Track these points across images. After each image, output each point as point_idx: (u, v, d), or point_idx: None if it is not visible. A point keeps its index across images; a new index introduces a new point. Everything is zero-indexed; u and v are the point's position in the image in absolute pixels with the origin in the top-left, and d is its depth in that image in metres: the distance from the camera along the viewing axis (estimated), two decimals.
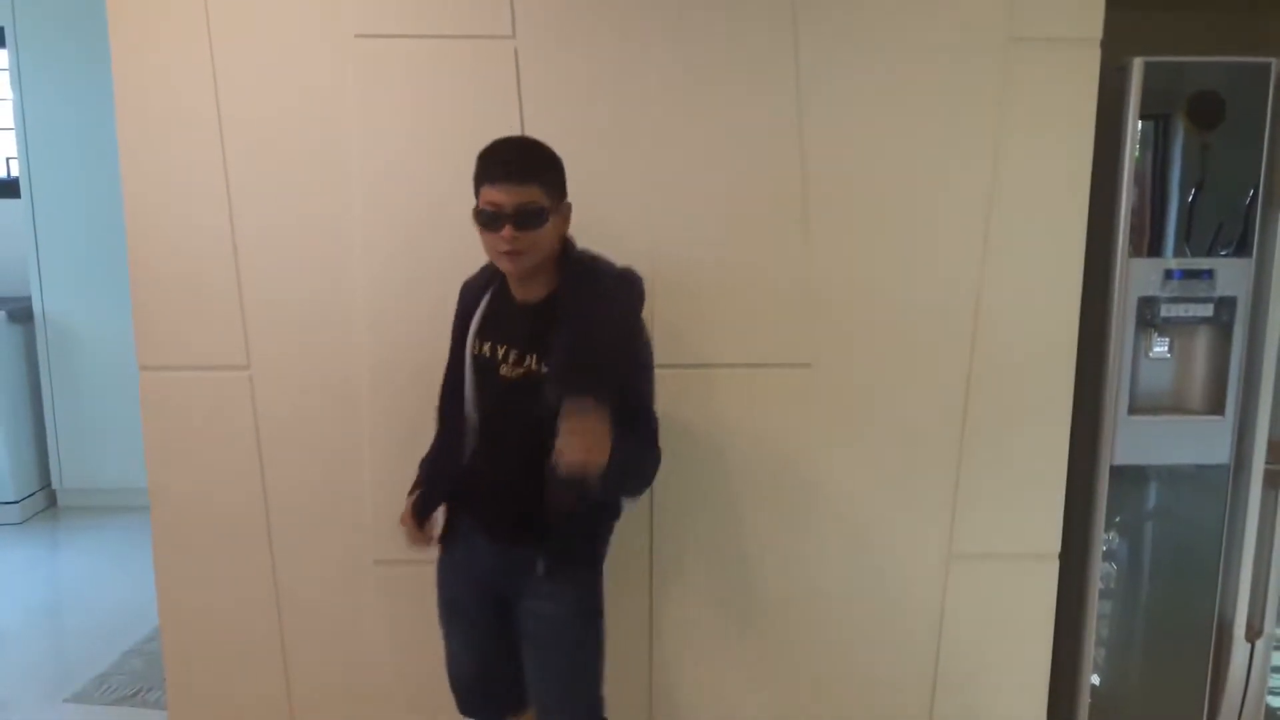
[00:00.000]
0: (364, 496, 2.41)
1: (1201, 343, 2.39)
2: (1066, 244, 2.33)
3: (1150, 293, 2.33)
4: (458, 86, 2.28)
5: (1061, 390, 2.38)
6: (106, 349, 4.42)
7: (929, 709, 2.52)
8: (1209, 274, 2.32)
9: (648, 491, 2.36)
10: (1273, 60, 2.26)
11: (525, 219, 1.79)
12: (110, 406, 4.46)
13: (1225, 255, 2.32)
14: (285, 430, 2.41)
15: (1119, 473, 2.40)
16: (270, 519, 2.43)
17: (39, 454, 4.63)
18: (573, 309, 1.85)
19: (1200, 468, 2.42)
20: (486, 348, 1.91)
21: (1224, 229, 2.32)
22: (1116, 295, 2.33)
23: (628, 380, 1.87)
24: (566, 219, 1.89)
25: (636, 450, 1.89)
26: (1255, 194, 2.30)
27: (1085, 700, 2.50)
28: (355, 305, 2.35)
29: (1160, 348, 2.36)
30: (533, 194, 1.79)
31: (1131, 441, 2.38)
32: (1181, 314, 2.34)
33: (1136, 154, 2.31)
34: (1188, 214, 2.32)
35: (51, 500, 4.71)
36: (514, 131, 2.28)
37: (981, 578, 2.45)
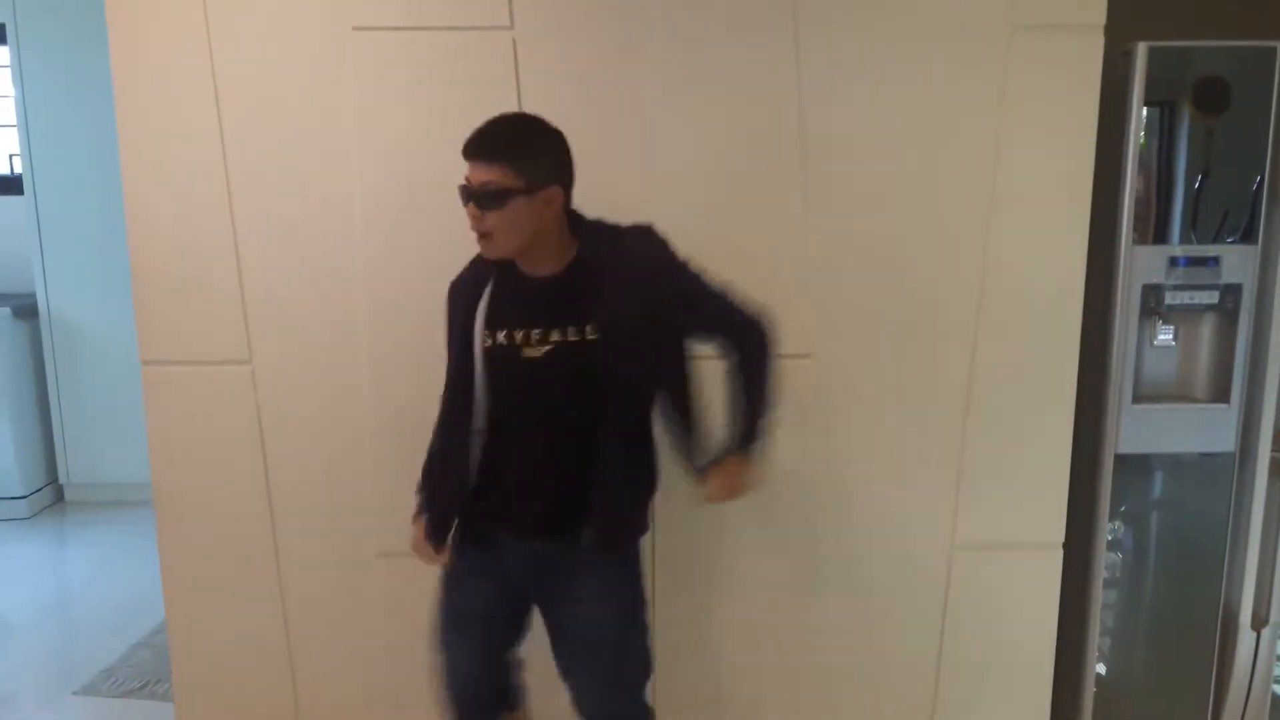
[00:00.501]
0: (366, 490, 2.41)
1: (1206, 330, 2.38)
2: (1070, 231, 2.32)
3: (1155, 280, 2.32)
4: (456, 78, 2.27)
5: (1065, 378, 2.37)
6: (112, 344, 4.44)
7: (933, 699, 2.51)
8: (1214, 261, 2.31)
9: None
10: (1278, 45, 2.24)
11: (485, 199, 1.74)
12: (116, 402, 4.47)
13: (1231, 242, 2.31)
14: (287, 424, 2.41)
15: (1123, 461, 2.39)
16: (274, 512, 2.43)
17: (46, 449, 4.65)
18: (622, 271, 1.82)
19: (1205, 456, 2.41)
20: (503, 336, 1.83)
21: (1230, 216, 2.31)
22: (1121, 283, 2.32)
23: (709, 304, 1.88)
24: (551, 204, 1.79)
25: (767, 385, 1.90)
26: (1261, 180, 2.28)
27: (1090, 689, 2.50)
28: (356, 298, 2.35)
29: (1165, 335, 2.34)
30: (497, 174, 1.72)
31: (1136, 430, 2.37)
32: (1186, 301, 2.33)
33: (1141, 140, 2.29)
34: (1193, 201, 2.31)
35: (59, 495, 4.73)
36: None
37: (985, 567, 2.45)
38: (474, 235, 1.86)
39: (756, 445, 1.89)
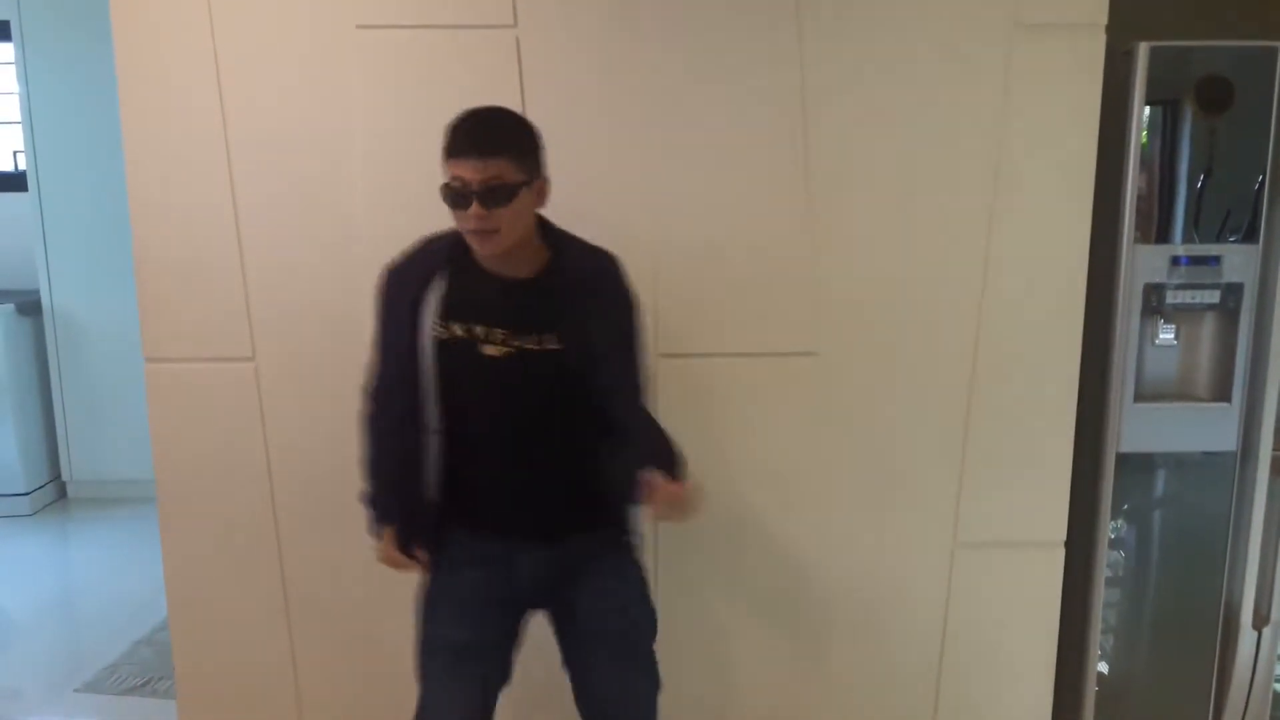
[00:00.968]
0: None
1: (1208, 329, 2.38)
2: (1072, 230, 2.32)
3: (1156, 279, 2.32)
4: (460, 76, 2.27)
5: (1067, 378, 2.37)
6: (115, 341, 4.44)
7: (934, 697, 2.52)
8: (1216, 260, 2.31)
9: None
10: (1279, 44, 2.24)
11: (492, 195, 1.66)
12: (119, 398, 4.48)
13: (1233, 242, 2.31)
14: (291, 421, 2.41)
15: (1125, 460, 2.39)
16: (276, 509, 2.44)
17: (49, 446, 4.66)
18: (587, 288, 1.79)
19: (1207, 455, 2.41)
20: (460, 329, 1.75)
21: (1231, 215, 2.31)
22: (1122, 282, 2.32)
23: (636, 362, 1.86)
24: (543, 195, 1.77)
25: (662, 435, 1.89)
26: (1263, 180, 2.29)
27: (1092, 688, 2.50)
28: (360, 296, 2.34)
29: (1166, 335, 2.34)
30: (500, 168, 1.66)
31: (1137, 429, 2.37)
32: (1188, 301, 2.33)
33: (1143, 140, 2.29)
34: (1195, 200, 2.31)
35: (61, 492, 4.74)
36: None
37: (987, 566, 2.45)
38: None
39: (680, 466, 1.84)
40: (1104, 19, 2.23)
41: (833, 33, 2.25)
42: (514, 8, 2.25)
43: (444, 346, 1.77)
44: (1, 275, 4.78)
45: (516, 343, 1.75)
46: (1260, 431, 2.38)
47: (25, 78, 4.39)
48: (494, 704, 1.92)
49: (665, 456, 1.84)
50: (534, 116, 2.26)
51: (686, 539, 2.45)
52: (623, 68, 2.27)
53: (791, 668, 2.51)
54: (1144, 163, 2.30)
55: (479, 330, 1.75)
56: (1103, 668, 2.52)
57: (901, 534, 2.44)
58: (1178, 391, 2.41)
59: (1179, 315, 2.34)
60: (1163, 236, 2.32)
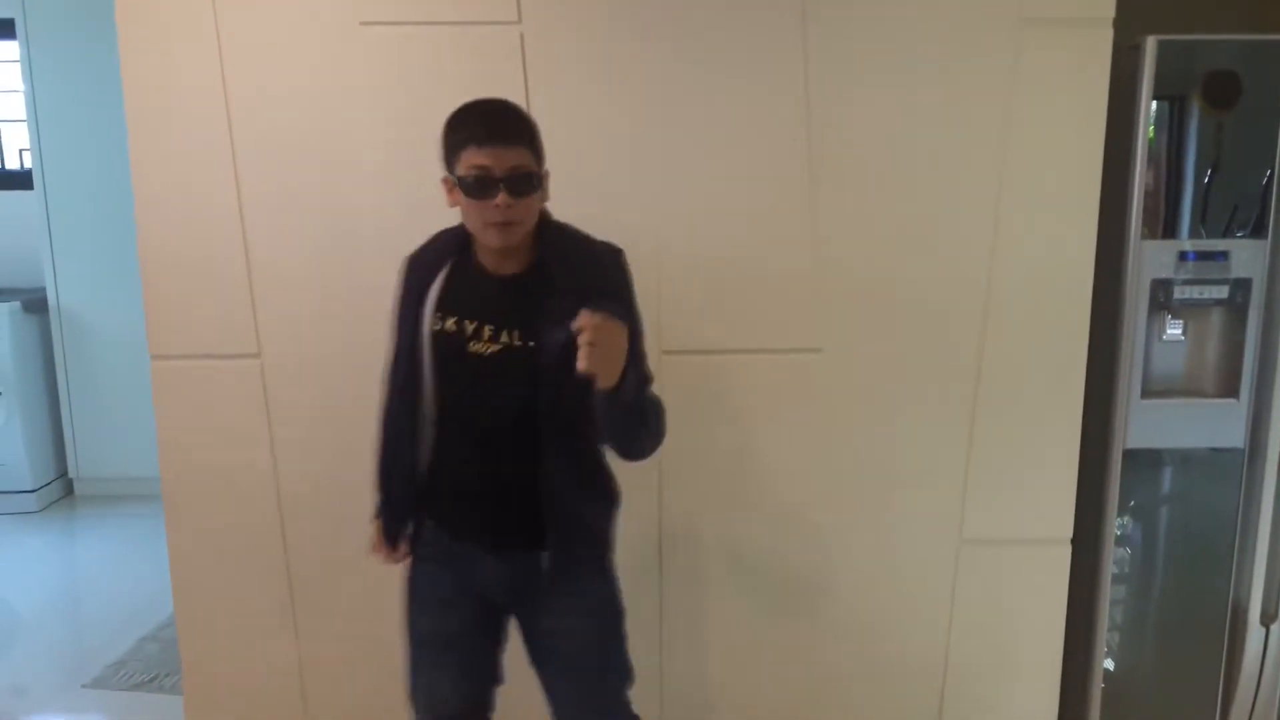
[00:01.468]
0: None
1: (1216, 325, 2.37)
2: (1079, 226, 2.31)
3: (1164, 275, 2.31)
4: (464, 73, 2.27)
5: (1074, 374, 2.36)
6: (121, 338, 4.45)
7: (940, 695, 2.51)
8: (1223, 256, 2.30)
9: (656, 477, 2.36)
10: None
11: (519, 184, 1.63)
12: (126, 395, 4.49)
13: (1240, 237, 2.30)
14: (296, 417, 2.42)
15: (1132, 456, 2.38)
16: (282, 506, 2.44)
17: (55, 443, 4.67)
18: (569, 274, 1.71)
19: (1214, 451, 2.40)
20: (451, 323, 1.73)
21: (1239, 210, 2.30)
22: (1129, 278, 2.31)
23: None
24: (546, 188, 1.75)
25: (645, 392, 1.74)
26: (1271, 175, 2.27)
27: (1098, 685, 2.49)
28: (365, 292, 2.35)
29: (1174, 330, 2.33)
30: (523, 156, 1.64)
31: (1145, 425, 2.36)
32: (1196, 296, 2.32)
33: (1150, 135, 2.28)
34: (1203, 195, 2.30)
35: (68, 489, 4.75)
36: None
37: (993, 563, 2.44)
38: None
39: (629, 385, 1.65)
40: (1111, 13, 2.22)
41: (837, 29, 2.25)
42: (518, 4, 2.25)
43: (437, 339, 1.75)
44: (7, 273, 4.79)
45: (503, 341, 1.72)
46: (1268, 428, 2.36)
47: (30, 76, 4.39)
48: (483, 695, 1.91)
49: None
50: (537, 113, 2.25)
51: (690, 536, 2.45)
52: (626, 64, 2.27)
53: (797, 665, 2.50)
54: (1151, 158, 2.29)
55: (468, 327, 1.73)
56: (1109, 665, 2.51)
57: (907, 531, 2.44)
58: (1185, 387, 2.40)
59: (1186, 311, 2.33)
60: (1170, 232, 2.31)
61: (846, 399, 2.38)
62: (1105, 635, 2.47)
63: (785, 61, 2.26)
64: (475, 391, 1.75)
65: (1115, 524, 2.42)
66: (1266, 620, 2.46)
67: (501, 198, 1.63)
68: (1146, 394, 2.36)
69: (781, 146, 2.29)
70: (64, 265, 4.53)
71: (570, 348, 1.59)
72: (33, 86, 4.40)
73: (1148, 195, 2.30)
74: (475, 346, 1.72)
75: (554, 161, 2.28)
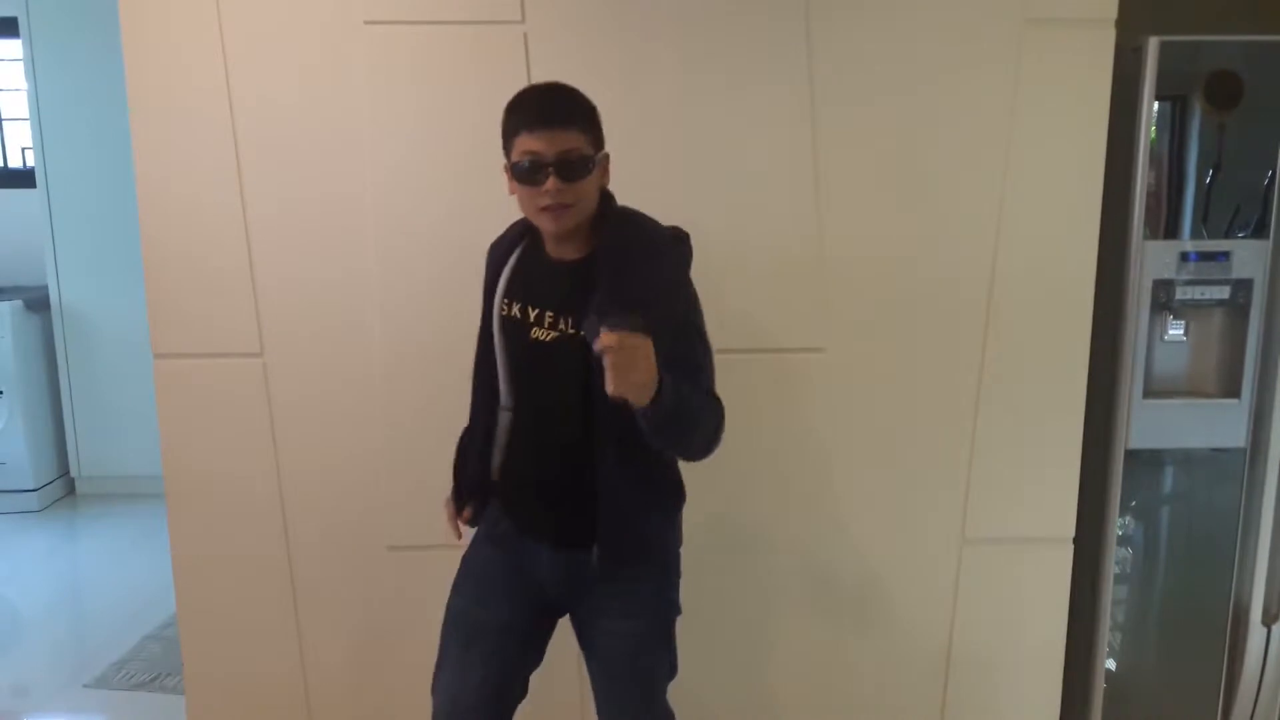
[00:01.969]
0: (378, 482, 2.42)
1: (1217, 325, 2.37)
2: (1081, 226, 2.31)
3: (1166, 275, 2.31)
4: (468, 72, 2.27)
5: (1076, 374, 2.36)
6: (123, 337, 4.44)
7: (942, 694, 2.52)
8: (1225, 256, 2.30)
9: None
10: None
11: (569, 168, 1.62)
12: (128, 394, 4.48)
13: (1242, 237, 2.30)
14: (299, 416, 2.42)
15: (1134, 457, 2.38)
16: (285, 505, 2.44)
17: (57, 442, 4.67)
18: (617, 264, 1.67)
19: (1216, 451, 2.40)
20: (516, 309, 1.75)
21: (1241, 211, 2.30)
22: (1131, 278, 2.31)
23: (682, 348, 1.66)
24: (606, 170, 1.74)
25: (690, 396, 1.63)
26: (1273, 175, 2.28)
27: (1100, 685, 2.50)
28: (368, 291, 2.35)
29: (1176, 331, 2.33)
30: (575, 140, 1.63)
31: (1146, 425, 2.36)
32: (1197, 296, 2.32)
33: (1152, 135, 2.29)
34: (1204, 196, 2.30)
35: (70, 488, 4.76)
36: None
37: (995, 563, 2.44)
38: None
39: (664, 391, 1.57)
40: (1113, 14, 2.22)
41: (841, 29, 2.25)
42: (522, 4, 2.25)
43: (505, 324, 1.77)
44: (10, 271, 4.79)
45: (561, 327, 1.71)
46: (1270, 428, 2.37)
47: (33, 74, 4.39)
48: (512, 687, 1.87)
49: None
50: None
51: (693, 535, 2.45)
52: (629, 63, 2.27)
53: (799, 663, 2.51)
54: (1153, 158, 2.29)
55: (530, 312, 1.74)
56: (1111, 665, 2.51)
57: (909, 530, 2.44)
58: (1187, 388, 2.40)
59: (1188, 311, 2.34)
60: (1172, 232, 2.32)
61: (849, 398, 2.38)
62: (1107, 635, 2.47)
63: (789, 60, 2.26)
64: (536, 378, 1.77)
65: (1117, 524, 2.42)
66: (1268, 620, 2.46)
67: (551, 182, 1.62)
68: (1148, 394, 2.36)
69: (786, 146, 2.29)
70: (66, 263, 4.53)
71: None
72: (35, 85, 4.40)
73: (1150, 195, 2.30)
74: (536, 333, 1.73)
75: None
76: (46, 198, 4.47)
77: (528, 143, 1.63)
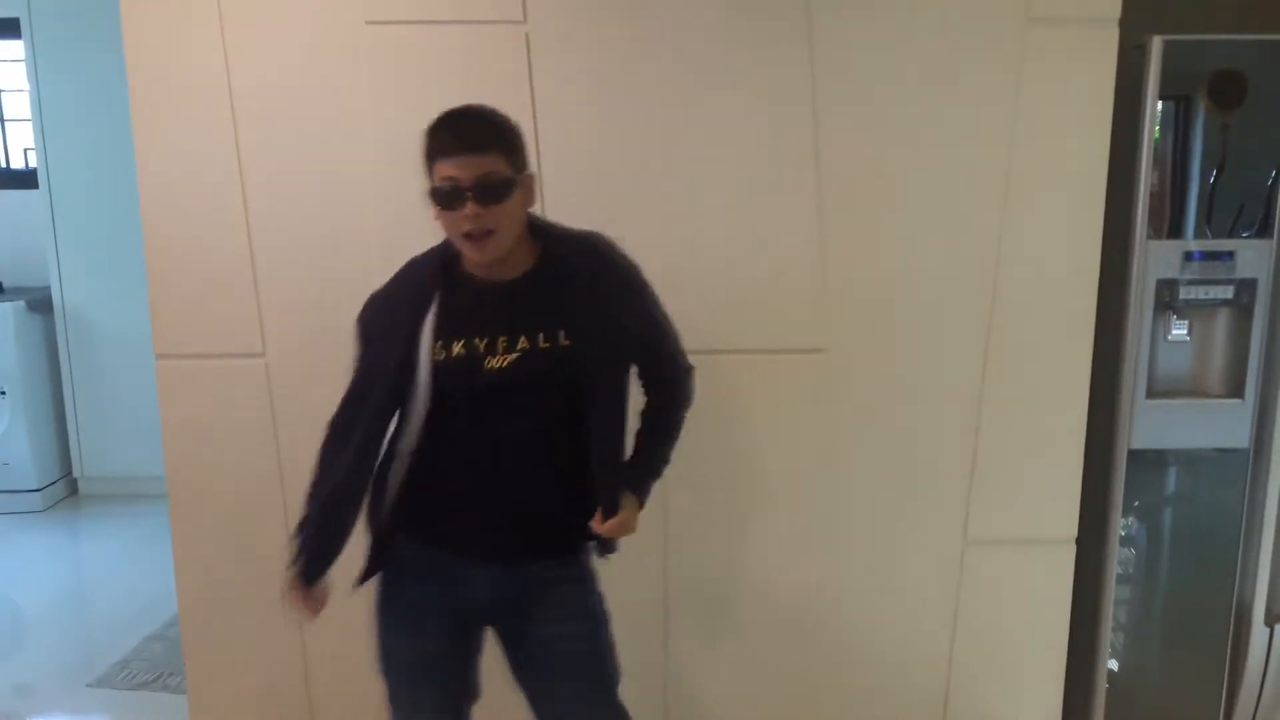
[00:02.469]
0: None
1: (1221, 325, 2.37)
2: (1084, 226, 2.31)
3: (1169, 275, 2.31)
4: (469, 72, 2.27)
5: (1079, 374, 2.36)
6: (126, 338, 4.46)
7: (945, 695, 2.51)
8: (1229, 256, 2.30)
9: (659, 479, 2.35)
10: None
11: (488, 192, 1.59)
12: (130, 395, 4.48)
13: (1246, 237, 2.30)
14: (301, 417, 2.40)
15: (1137, 457, 2.38)
16: (287, 506, 2.44)
17: (60, 442, 4.68)
18: (595, 282, 1.71)
19: (1219, 452, 2.40)
20: (460, 346, 1.67)
21: (1245, 210, 2.30)
22: (1135, 278, 2.31)
23: (651, 334, 1.79)
24: (531, 191, 1.70)
25: (676, 437, 1.87)
26: (1277, 174, 2.27)
27: (1103, 686, 2.49)
28: (370, 291, 2.34)
29: (1179, 330, 2.33)
30: (493, 164, 1.60)
31: (1150, 425, 2.36)
32: (1201, 296, 2.32)
33: (1156, 135, 2.28)
34: (1208, 195, 2.30)
35: (72, 488, 4.76)
36: (525, 116, 2.27)
37: (998, 563, 2.44)
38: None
39: (649, 488, 1.84)
40: (1117, 13, 2.22)
41: (843, 29, 2.25)
42: (524, 4, 2.25)
43: (443, 369, 1.68)
44: (13, 272, 4.79)
45: (522, 347, 1.68)
46: (1273, 428, 2.36)
47: (35, 75, 4.40)
48: (466, 697, 1.88)
49: (651, 467, 1.86)
50: (543, 113, 2.27)
51: (693, 536, 2.45)
52: (632, 65, 2.27)
53: (800, 664, 2.50)
54: (1157, 158, 2.29)
55: (481, 344, 1.68)
56: (1113, 665, 2.51)
57: (911, 531, 2.44)
58: (1190, 388, 2.40)
59: (1191, 311, 2.33)
60: (1175, 232, 2.31)
61: (850, 399, 2.38)
62: (1110, 635, 2.47)
63: (791, 60, 2.26)
64: (490, 406, 1.70)
65: (1120, 524, 2.42)
66: (1271, 620, 2.46)
67: (470, 207, 1.59)
68: (1151, 394, 2.36)
69: (787, 146, 2.29)
70: (69, 264, 4.54)
71: (602, 344, 1.70)
72: (37, 86, 4.40)
73: (1153, 195, 2.30)
74: (492, 362, 1.67)
75: (558, 161, 2.29)
76: (49, 198, 4.48)
77: (445, 168, 1.61)
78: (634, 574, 2.45)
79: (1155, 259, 2.30)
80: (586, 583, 1.85)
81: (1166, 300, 2.32)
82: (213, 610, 2.51)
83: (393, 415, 1.75)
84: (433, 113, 2.27)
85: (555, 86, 2.27)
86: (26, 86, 4.43)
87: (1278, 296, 2.32)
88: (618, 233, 2.13)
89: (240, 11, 2.26)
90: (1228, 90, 2.25)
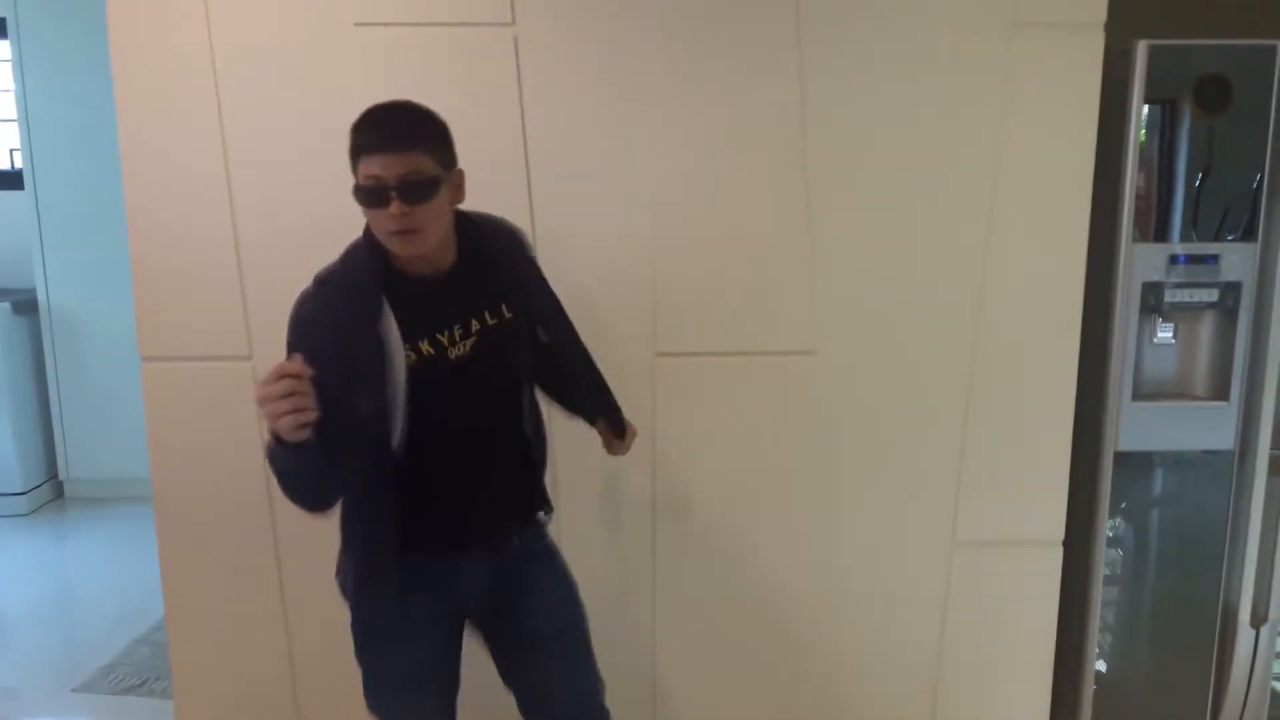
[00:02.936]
0: None
1: (1206, 328, 2.38)
2: (1070, 229, 2.32)
3: (1155, 278, 2.32)
4: (458, 74, 2.27)
5: (1065, 376, 2.37)
6: (112, 340, 4.44)
7: (933, 696, 2.52)
8: (1214, 259, 2.31)
9: (650, 477, 2.37)
10: (1278, 43, 2.24)
11: (413, 190, 1.57)
12: (116, 397, 4.47)
13: (1231, 240, 2.31)
14: None
15: (1123, 459, 2.39)
16: (273, 509, 2.43)
17: (45, 445, 4.66)
18: (513, 258, 1.82)
19: (1205, 453, 2.41)
20: (427, 345, 1.67)
21: (1230, 214, 2.31)
22: (1121, 281, 2.32)
23: (552, 306, 1.87)
24: (460, 187, 1.70)
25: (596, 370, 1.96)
26: (1262, 178, 2.29)
27: (1090, 686, 2.50)
28: None
29: (1165, 333, 2.34)
30: (418, 161, 1.59)
31: (1136, 427, 2.37)
32: (1186, 299, 2.33)
33: (1142, 138, 2.29)
34: (1194, 199, 2.31)
35: (58, 491, 4.74)
36: (513, 118, 2.28)
37: (985, 565, 2.45)
38: None
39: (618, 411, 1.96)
40: (1103, 18, 2.23)
41: (831, 33, 2.25)
42: (512, 6, 2.24)
43: (417, 371, 1.66)
44: None
45: (476, 330, 1.72)
46: (1258, 430, 2.38)
47: (21, 75, 4.38)
48: (454, 695, 1.91)
49: (613, 407, 1.95)
50: (531, 115, 2.27)
51: (683, 538, 2.45)
52: (621, 66, 2.27)
53: (789, 666, 2.51)
54: (1143, 161, 2.30)
55: (443, 337, 1.69)
56: (1101, 666, 2.52)
57: (899, 533, 2.44)
58: (1176, 390, 2.41)
59: (1177, 314, 2.34)
60: (1161, 235, 2.32)
61: (840, 401, 2.39)
62: (1097, 637, 2.48)
63: (780, 65, 2.26)
64: (457, 395, 1.71)
65: (1107, 526, 2.43)
66: (1257, 622, 2.47)
67: (395, 206, 1.58)
68: (1138, 397, 2.37)
69: (776, 149, 2.29)
70: (54, 266, 4.51)
71: (534, 301, 1.82)
72: (24, 86, 4.38)
73: (1139, 198, 2.31)
74: (455, 352, 1.71)
75: (547, 163, 2.29)
76: (35, 200, 4.45)
77: (369, 166, 1.59)
78: (623, 577, 2.46)
79: (1141, 262, 2.31)
80: (556, 552, 1.93)
81: (1152, 303, 2.33)
82: (199, 614, 2.50)
83: (387, 428, 1.67)
84: None
85: (543, 89, 2.27)
86: (13, 87, 4.41)
87: (1262, 299, 2.33)
88: (606, 234, 2.13)
89: (227, 13, 2.26)
90: (1213, 94, 2.26)
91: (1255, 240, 2.30)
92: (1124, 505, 2.46)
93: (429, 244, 1.65)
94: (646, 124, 2.29)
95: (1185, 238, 2.32)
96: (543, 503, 1.93)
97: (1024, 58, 2.25)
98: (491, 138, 2.26)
